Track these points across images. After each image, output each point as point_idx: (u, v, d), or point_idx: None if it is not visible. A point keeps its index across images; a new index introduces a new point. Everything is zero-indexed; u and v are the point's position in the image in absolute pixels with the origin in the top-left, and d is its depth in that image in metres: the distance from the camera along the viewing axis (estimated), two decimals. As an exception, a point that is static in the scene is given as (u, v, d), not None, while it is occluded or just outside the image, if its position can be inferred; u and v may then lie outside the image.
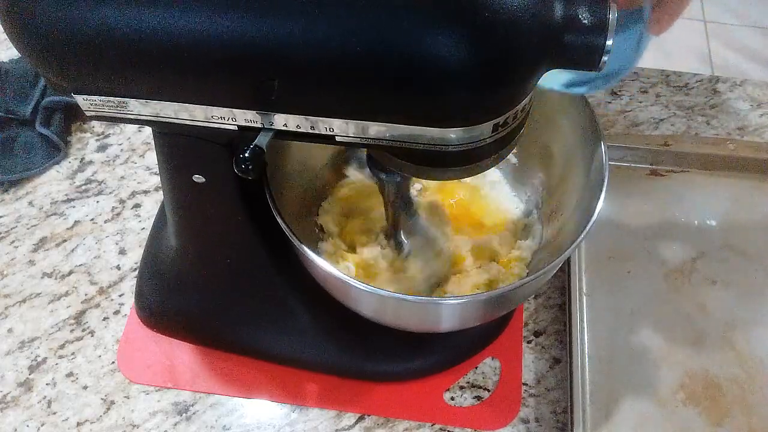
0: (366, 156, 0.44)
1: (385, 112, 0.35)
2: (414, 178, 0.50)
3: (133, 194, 0.68)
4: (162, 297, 0.58)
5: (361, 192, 0.59)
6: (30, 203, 0.67)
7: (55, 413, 0.56)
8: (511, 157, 0.58)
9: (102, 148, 0.71)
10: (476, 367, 0.58)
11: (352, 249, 0.57)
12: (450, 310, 0.48)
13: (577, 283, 0.60)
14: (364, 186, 0.59)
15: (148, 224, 0.66)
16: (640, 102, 0.76)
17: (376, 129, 0.36)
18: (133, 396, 0.57)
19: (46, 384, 0.57)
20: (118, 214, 0.67)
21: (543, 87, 0.38)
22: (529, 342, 0.60)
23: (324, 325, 0.57)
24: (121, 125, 0.73)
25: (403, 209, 0.52)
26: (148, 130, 0.72)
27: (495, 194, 0.60)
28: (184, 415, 0.56)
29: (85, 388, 0.57)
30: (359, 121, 0.36)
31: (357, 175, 0.61)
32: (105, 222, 0.66)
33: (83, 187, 0.69)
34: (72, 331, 0.60)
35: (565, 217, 0.54)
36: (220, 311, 0.57)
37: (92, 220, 0.66)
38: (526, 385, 0.58)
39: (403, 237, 0.55)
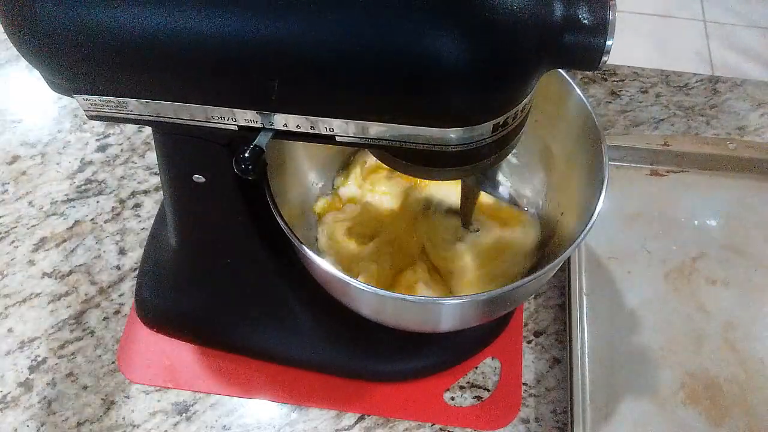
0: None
1: (385, 113, 0.35)
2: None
3: (133, 194, 0.68)
4: (162, 297, 0.58)
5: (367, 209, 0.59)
6: (30, 203, 0.67)
7: (55, 413, 0.56)
8: (511, 157, 0.58)
9: (102, 148, 0.71)
10: (476, 367, 0.58)
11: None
12: (450, 310, 0.48)
13: (577, 283, 0.60)
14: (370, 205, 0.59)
15: (148, 224, 0.66)
16: (640, 102, 0.76)
17: (376, 129, 0.36)
18: (133, 396, 0.57)
19: (46, 384, 0.57)
20: (118, 214, 0.67)
21: None
22: (529, 342, 0.60)
23: (324, 325, 0.57)
24: (121, 125, 0.73)
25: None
26: (148, 130, 0.72)
27: (495, 194, 0.60)
28: (184, 415, 0.56)
29: (85, 388, 0.57)
30: (359, 121, 0.36)
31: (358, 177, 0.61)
32: (105, 222, 0.66)
33: (83, 187, 0.69)
34: (72, 331, 0.60)
35: (565, 217, 0.54)
36: (220, 311, 0.57)
37: (92, 220, 0.66)
38: (526, 385, 0.58)
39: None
